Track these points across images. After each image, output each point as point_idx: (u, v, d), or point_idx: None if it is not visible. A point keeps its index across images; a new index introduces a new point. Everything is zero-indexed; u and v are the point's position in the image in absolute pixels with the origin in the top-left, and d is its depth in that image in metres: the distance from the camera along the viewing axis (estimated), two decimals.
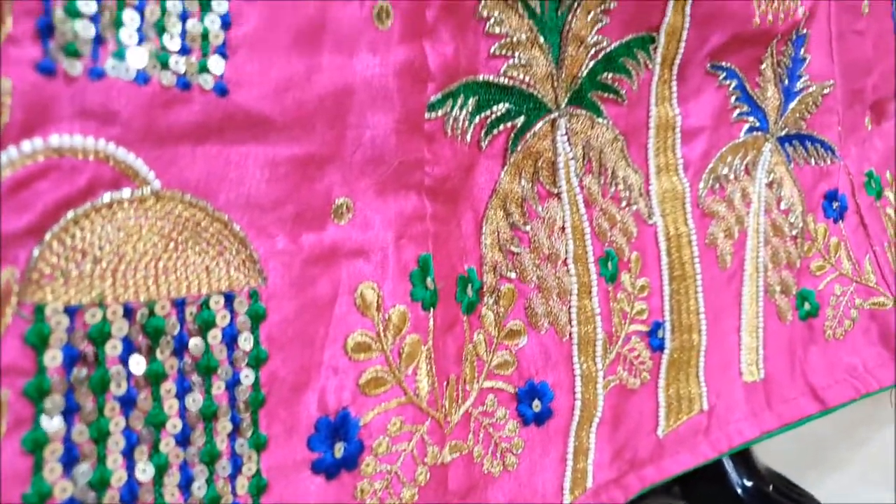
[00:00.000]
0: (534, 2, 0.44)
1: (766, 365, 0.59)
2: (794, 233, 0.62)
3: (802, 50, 0.61)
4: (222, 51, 0.30)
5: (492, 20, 0.43)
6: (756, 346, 0.59)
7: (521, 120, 0.45)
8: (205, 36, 0.30)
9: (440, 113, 0.40)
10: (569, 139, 0.47)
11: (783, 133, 0.61)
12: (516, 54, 0.44)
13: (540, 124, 0.46)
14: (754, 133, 0.59)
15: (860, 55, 0.65)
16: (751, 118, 0.58)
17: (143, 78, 0.28)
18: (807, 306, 0.62)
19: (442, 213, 0.41)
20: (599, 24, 0.47)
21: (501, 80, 0.44)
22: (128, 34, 0.28)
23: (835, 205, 0.65)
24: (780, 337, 0.60)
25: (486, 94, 0.43)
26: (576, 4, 0.46)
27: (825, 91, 0.63)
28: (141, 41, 0.28)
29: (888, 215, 0.69)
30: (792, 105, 0.61)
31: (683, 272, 0.54)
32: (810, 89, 0.62)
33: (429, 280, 0.39)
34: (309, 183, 0.34)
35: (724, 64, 0.56)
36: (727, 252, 0.57)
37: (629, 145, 0.52)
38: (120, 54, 0.28)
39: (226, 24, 0.30)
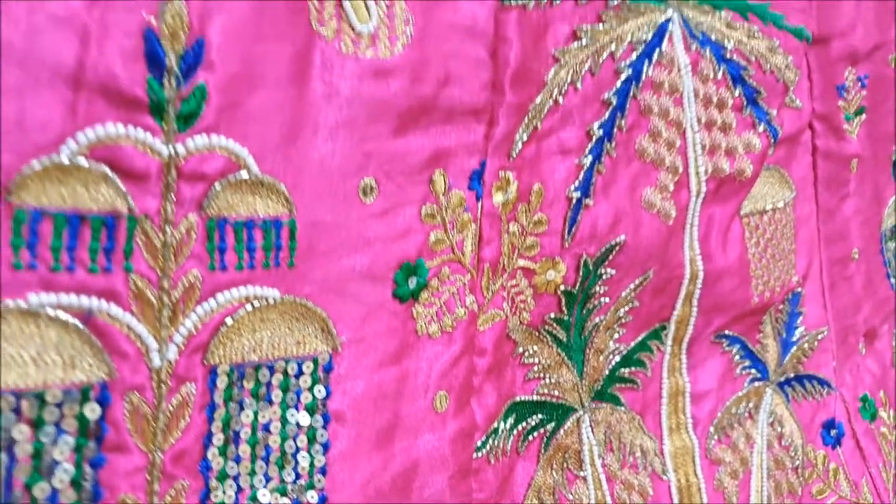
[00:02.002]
0: (561, 333, 0.53)
1: None
2: (795, 464, 0.69)
3: (798, 306, 0.69)
4: (323, 470, 0.39)
5: (526, 353, 0.52)
6: None
7: (551, 425, 0.53)
8: (311, 463, 0.39)
9: (484, 451, 0.49)
10: (592, 429, 0.56)
11: (782, 378, 0.69)
12: (547, 376, 0.53)
13: (568, 424, 0.54)
14: (756, 383, 0.67)
15: (851, 298, 0.73)
16: (753, 370, 0.66)
17: None
18: None
19: None
20: (616, 335, 0.56)
21: (535, 397, 0.53)
22: (259, 479, 0.37)
23: (832, 432, 0.72)
24: None
25: (523, 410, 0.52)
26: (596, 328, 0.54)
27: (820, 337, 0.71)
28: (267, 482, 0.37)
29: (883, 434, 0.76)
30: (790, 353, 0.69)
31: None
32: (806, 337, 0.70)
33: None
34: None
35: (727, 332, 0.64)
36: (733, 492, 0.64)
37: (645, 419, 0.60)
38: (253, 496, 0.37)
39: (326, 448, 0.39)
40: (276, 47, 0.35)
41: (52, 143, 0.30)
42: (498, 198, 0.46)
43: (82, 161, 0.31)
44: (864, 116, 0.71)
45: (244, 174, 0.35)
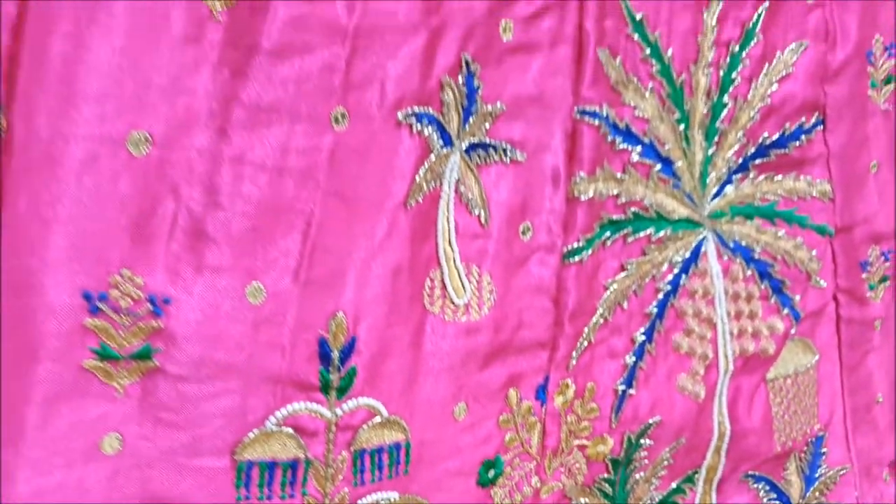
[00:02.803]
0: (608, 488, 0.66)
1: None
2: None
3: (821, 447, 0.79)
4: None
5: None
6: None
7: None
8: None
9: None
10: None
11: None
12: None
13: None
14: None
15: (874, 437, 0.82)
16: (777, 502, 0.77)
17: None
18: None
19: None
20: (654, 486, 0.68)
21: None
22: None
23: None
24: None
25: None
26: (637, 482, 0.67)
27: (842, 472, 0.80)
28: None
29: None
30: (813, 486, 0.79)
31: None
32: (829, 473, 0.80)
33: None
34: None
35: (754, 473, 0.75)
36: None
37: None
38: None
39: None
40: (401, 329, 0.50)
41: (261, 419, 0.46)
42: (559, 400, 0.60)
43: (278, 428, 0.46)
44: (888, 283, 0.80)
45: (378, 419, 0.50)
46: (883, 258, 0.79)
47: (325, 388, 0.48)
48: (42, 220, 0.38)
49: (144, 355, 0.42)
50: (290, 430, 0.47)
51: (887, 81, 0.75)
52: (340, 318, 0.48)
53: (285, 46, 0.43)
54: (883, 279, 0.80)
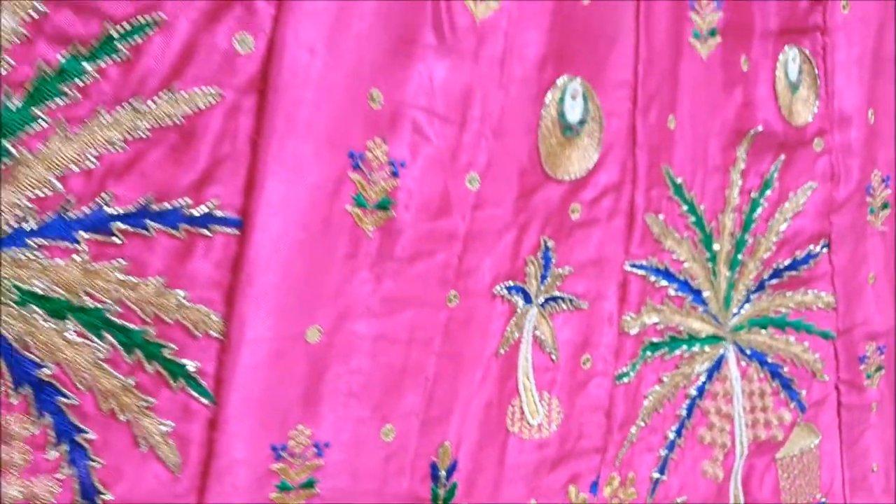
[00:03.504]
0: None
1: None
2: None
3: None
4: None
5: None
6: None
7: None
8: None
9: None
10: None
11: None
12: None
13: None
14: None
15: (870, 502, 0.95)
16: None
17: None
18: None
19: None
20: None
21: None
22: None
23: None
24: None
25: None
26: None
27: None
28: None
29: None
30: None
31: None
32: None
33: None
34: None
35: None
36: None
37: None
38: None
39: None
40: (489, 449, 0.64)
41: None
42: (607, 490, 0.73)
43: None
44: (882, 371, 0.93)
45: None
46: (878, 351, 0.92)
47: (434, 500, 0.61)
48: (245, 396, 0.51)
49: (309, 485, 0.55)
50: None
51: (884, 207, 0.87)
52: (447, 445, 0.61)
53: (416, 254, 0.56)
54: (878, 368, 0.93)
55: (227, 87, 0.48)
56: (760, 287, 0.81)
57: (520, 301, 0.64)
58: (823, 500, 0.93)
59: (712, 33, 0.71)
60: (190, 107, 0.47)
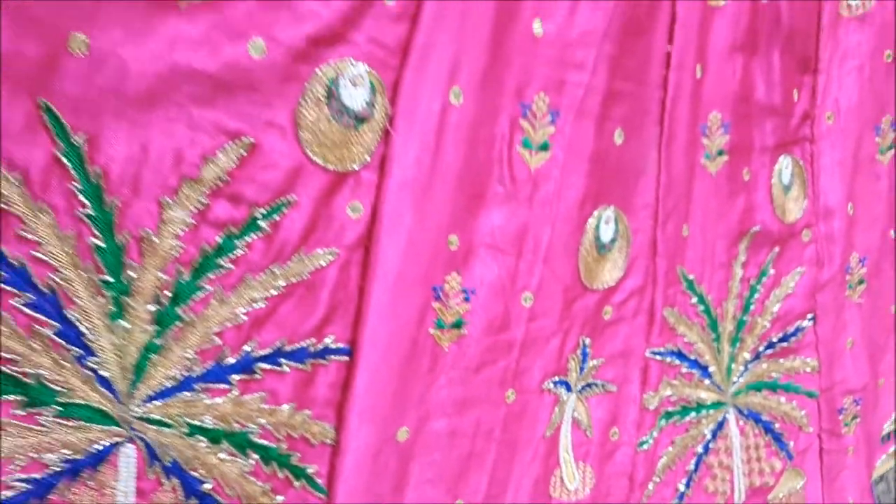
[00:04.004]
0: None
1: None
2: None
3: None
4: None
5: None
6: None
7: None
8: None
9: None
10: None
11: None
12: None
13: None
14: None
15: None
16: None
17: None
18: None
19: None
20: None
21: None
22: None
23: None
24: None
25: None
26: None
27: None
28: None
29: None
30: None
31: None
32: None
33: None
34: None
35: None
36: None
37: None
38: None
39: None
40: None
41: None
42: None
43: None
44: (858, 419, 1.06)
45: None
46: (854, 403, 1.05)
47: None
48: (350, 489, 0.62)
49: None
50: None
51: (860, 282, 1.01)
52: None
53: (482, 362, 0.68)
54: (854, 417, 1.06)
55: (342, 246, 0.59)
56: (756, 357, 0.93)
57: (563, 391, 0.75)
58: None
59: (720, 153, 0.83)
60: (314, 265, 0.58)
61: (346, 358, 0.61)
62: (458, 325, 0.67)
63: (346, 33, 0.56)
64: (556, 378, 0.75)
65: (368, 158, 0.59)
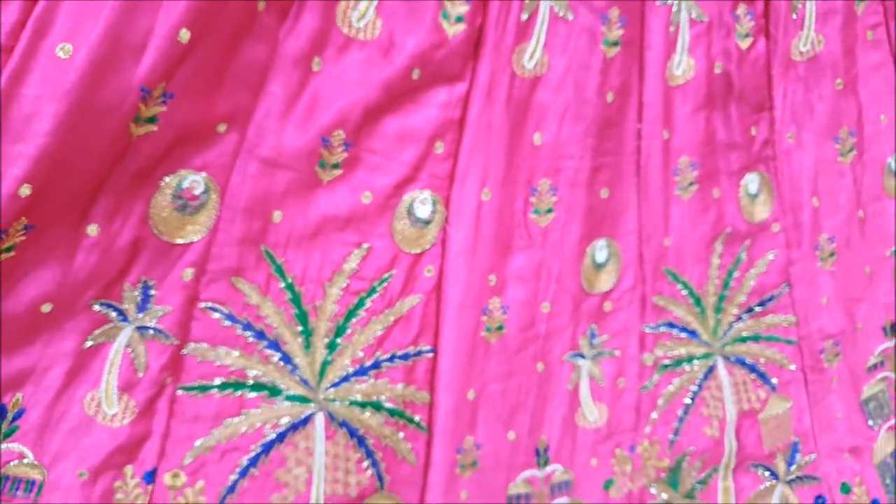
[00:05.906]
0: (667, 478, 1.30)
1: None
2: None
3: (797, 447, 1.38)
4: None
5: None
6: None
7: None
8: None
9: None
10: None
11: None
12: None
13: None
14: None
15: None
16: None
17: None
18: None
19: None
20: (693, 478, 1.32)
21: None
22: None
23: None
24: None
25: None
26: (683, 476, 1.30)
27: (811, 458, 1.40)
28: None
29: None
30: (792, 467, 1.39)
31: None
32: (802, 460, 1.39)
33: None
34: None
35: (755, 462, 1.36)
36: None
37: None
38: None
39: None
40: None
41: None
42: (639, 449, 1.23)
43: None
44: (840, 356, 1.35)
45: None
46: (835, 345, 1.34)
47: (538, 465, 1.14)
48: (442, 430, 1.05)
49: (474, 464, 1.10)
50: None
51: (831, 255, 1.27)
52: (543, 439, 1.13)
53: (518, 349, 1.06)
54: (836, 355, 1.35)
55: (423, 292, 1.00)
56: (738, 320, 1.25)
57: (579, 360, 1.13)
58: (797, 440, 1.40)
59: (691, 184, 1.13)
60: (409, 306, 1.00)
61: (432, 355, 1.02)
62: (500, 328, 1.06)
63: (416, 175, 0.94)
64: (573, 352, 1.12)
65: (435, 241, 0.98)
